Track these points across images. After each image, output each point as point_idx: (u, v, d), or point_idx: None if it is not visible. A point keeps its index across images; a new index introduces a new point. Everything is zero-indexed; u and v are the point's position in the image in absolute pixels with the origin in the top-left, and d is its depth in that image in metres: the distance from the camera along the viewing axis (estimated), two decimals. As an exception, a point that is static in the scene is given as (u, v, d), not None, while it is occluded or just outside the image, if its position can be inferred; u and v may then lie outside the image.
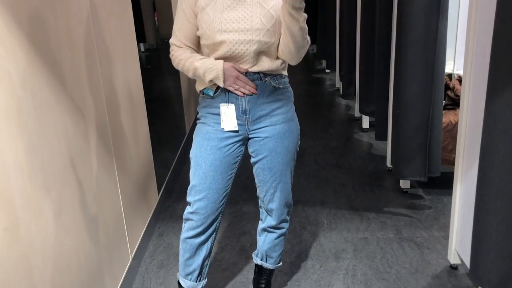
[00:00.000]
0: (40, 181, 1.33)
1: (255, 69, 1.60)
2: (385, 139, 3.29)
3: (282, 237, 1.89)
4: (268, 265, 1.94)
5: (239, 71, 1.58)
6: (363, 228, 2.56)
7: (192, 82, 4.19)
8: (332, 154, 3.62)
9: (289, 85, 1.73)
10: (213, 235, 1.75)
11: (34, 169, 1.30)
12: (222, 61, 1.57)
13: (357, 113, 4.38)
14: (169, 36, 1.67)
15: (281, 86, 1.66)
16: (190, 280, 1.77)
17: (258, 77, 1.61)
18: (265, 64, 1.60)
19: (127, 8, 2.31)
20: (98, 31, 1.87)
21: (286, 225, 1.87)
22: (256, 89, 1.60)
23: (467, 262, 1.99)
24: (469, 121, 1.98)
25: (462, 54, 3.29)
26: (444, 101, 2.89)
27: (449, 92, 3.11)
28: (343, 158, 3.53)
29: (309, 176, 3.24)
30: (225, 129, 1.64)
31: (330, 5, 5.49)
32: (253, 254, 2.00)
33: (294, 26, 1.50)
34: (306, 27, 1.54)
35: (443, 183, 2.97)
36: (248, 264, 2.24)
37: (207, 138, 1.65)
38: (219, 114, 1.64)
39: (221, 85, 1.58)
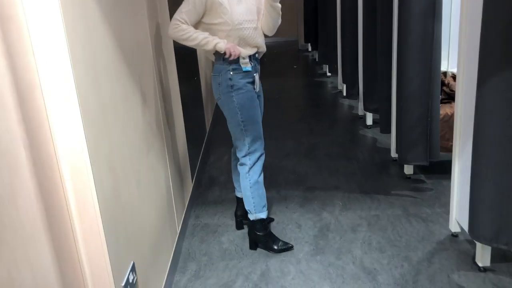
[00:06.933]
0: (129, 155, 1.69)
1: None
2: (389, 132, 3.66)
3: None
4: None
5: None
6: (375, 207, 2.92)
7: (209, 86, 4.56)
8: (341, 148, 3.99)
9: None
10: None
11: (128, 150, 1.66)
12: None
13: (360, 112, 4.76)
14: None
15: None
16: (266, 210, 2.52)
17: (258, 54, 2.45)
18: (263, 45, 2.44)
19: (168, 19, 2.69)
20: (156, 50, 2.24)
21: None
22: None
23: (466, 228, 2.35)
24: (463, 110, 2.35)
25: (455, 53, 3.68)
26: (440, 96, 3.26)
27: (444, 88, 3.49)
28: (351, 151, 3.90)
29: (321, 167, 3.60)
30: (257, 90, 2.42)
31: (331, 14, 5.89)
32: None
33: (273, 12, 2.31)
34: (281, 12, 2.35)
35: (442, 169, 3.34)
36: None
37: (255, 100, 2.39)
38: (252, 82, 2.38)
39: (223, 47, 2.25)
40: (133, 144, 1.76)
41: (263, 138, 2.46)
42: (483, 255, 2.25)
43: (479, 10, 2.07)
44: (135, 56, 1.89)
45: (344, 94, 5.49)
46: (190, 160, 3.13)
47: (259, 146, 2.44)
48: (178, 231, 2.50)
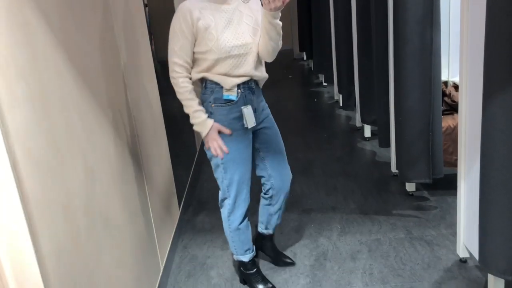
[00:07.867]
0: (95, 195, 1.49)
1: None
2: (389, 146, 3.46)
3: None
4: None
5: (222, 132, 1.97)
6: (375, 230, 2.71)
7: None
8: (338, 163, 3.79)
9: None
10: None
11: (92, 188, 1.46)
12: (212, 122, 1.96)
13: (358, 123, 4.56)
14: (167, 60, 1.93)
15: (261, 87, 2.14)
16: (250, 253, 2.23)
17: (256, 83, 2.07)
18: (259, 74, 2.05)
19: (145, 34, 2.50)
20: (128, 63, 2.05)
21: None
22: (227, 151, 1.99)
23: (476, 255, 2.14)
24: (468, 123, 2.16)
25: (456, 61, 3.49)
26: (441, 107, 3.07)
27: (446, 99, 3.30)
28: (349, 167, 3.70)
29: (318, 185, 3.40)
30: (249, 127, 2.02)
31: (325, 22, 5.71)
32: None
33: (273, 31, 1.91)
34: (281, 32, 1.94)
35: (446, 184, 3.13)
36: (270, 269, 2.39)
37: (241, 141, 2.02)
38: (240, 117, 1.99)
39: (203, 137, 1.99)
40: (100, 182, 1.56)
41: (247, 184, 2.09)
42: (495, 285, 2.03)
43: (480, 16, 1.88)
44: (101, 82, 1.70)
45: (341, 104, 5.29)
46: (176, 184, 2.93)
47: (240, 193, 2.08)
48: (162, 268, 2.30)
